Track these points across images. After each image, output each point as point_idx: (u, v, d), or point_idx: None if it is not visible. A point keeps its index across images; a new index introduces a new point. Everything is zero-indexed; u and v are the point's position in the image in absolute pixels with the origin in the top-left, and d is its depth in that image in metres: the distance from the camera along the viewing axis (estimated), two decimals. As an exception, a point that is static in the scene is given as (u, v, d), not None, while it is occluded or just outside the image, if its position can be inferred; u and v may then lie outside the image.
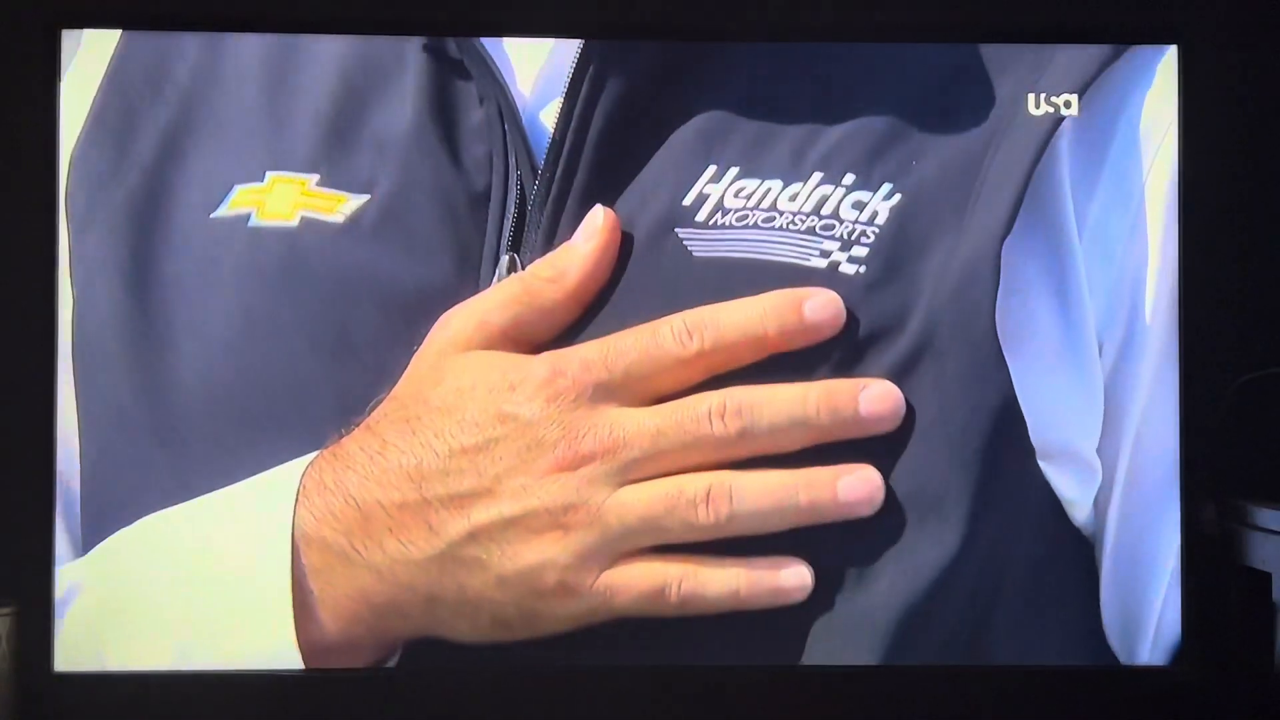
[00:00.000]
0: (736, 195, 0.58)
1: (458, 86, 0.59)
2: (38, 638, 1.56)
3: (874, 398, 0.55)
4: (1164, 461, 0.54)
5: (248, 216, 0.62)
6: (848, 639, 0.55)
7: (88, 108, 0.66)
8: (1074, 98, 0.86)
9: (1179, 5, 1.56)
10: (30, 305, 1.60)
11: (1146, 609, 0.61)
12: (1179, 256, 1.38)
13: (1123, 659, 0.62)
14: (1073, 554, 0.58)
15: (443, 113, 0.60)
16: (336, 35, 1.03)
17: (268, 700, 1.52)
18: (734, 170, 0.58)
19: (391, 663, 0.67)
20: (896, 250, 0.57)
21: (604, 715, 1.63)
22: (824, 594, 0.59)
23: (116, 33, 0.79)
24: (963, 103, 0.57)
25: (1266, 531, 1.58)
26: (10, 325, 1.63)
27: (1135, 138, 0.56)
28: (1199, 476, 1.43)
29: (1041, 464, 0.57)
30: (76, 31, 0.91)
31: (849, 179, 0.55)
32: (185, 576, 0.61)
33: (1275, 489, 1.59)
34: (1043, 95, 0.88)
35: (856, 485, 0.55)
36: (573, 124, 0.59)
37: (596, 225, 0.58)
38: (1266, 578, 1.59)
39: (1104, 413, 0.55)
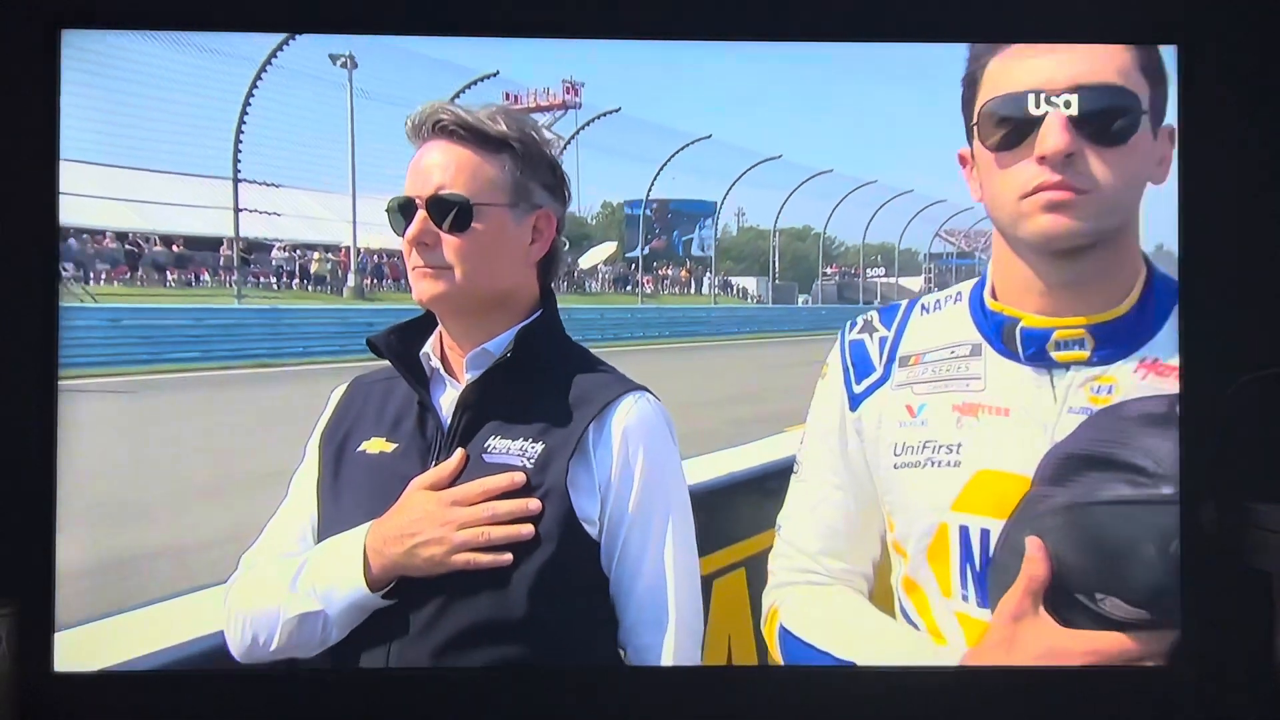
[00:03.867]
0: (501, 444, 1.35)
1: (425, 413, 1.39)
2: (38, 638, 1.56)
3: (533, 506, 1.31)
4: (629, 514, 1.35)
5: (364, 450, 1.40)
6: (503, 595, 1.32)
7: (326, 420, 1.46)
8: (1073, 98, 1.29)
9: (1179, 5, 1.56)
10: (29, 305, 1.61)
11: (623, 599, 1.37)
12: (1179, 256, 1.38)
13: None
14: (592, 557, 1.35)
15: (420, 424, 1.39)
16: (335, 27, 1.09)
17: (268, 699, 1.53)
18: (501, 438, 1.35)
19: (387, 590, 1.33)
20: (544, 462, 1.32)
21: (601, 715, 1.63)
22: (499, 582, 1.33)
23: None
24: (576, 413, 1.36)
25: (1267, 531, 1.58)
26: (9, 327, 1.63)
27: (610, 443, 1.34)
28: (1199, 476, 1.43)
29: (582, 524, 1.32)
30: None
31: (537, 439, 1.33)
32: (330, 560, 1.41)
33: (1275, 489, 1.59)
34: (1043, 96, 1.29)
35: (523, 531, 1.31)
36: (455, 425, 1.36)
37: (458, 454, 1.35)
38: (1266, 578, 1.60)
39: (600, 506, 1.34)
